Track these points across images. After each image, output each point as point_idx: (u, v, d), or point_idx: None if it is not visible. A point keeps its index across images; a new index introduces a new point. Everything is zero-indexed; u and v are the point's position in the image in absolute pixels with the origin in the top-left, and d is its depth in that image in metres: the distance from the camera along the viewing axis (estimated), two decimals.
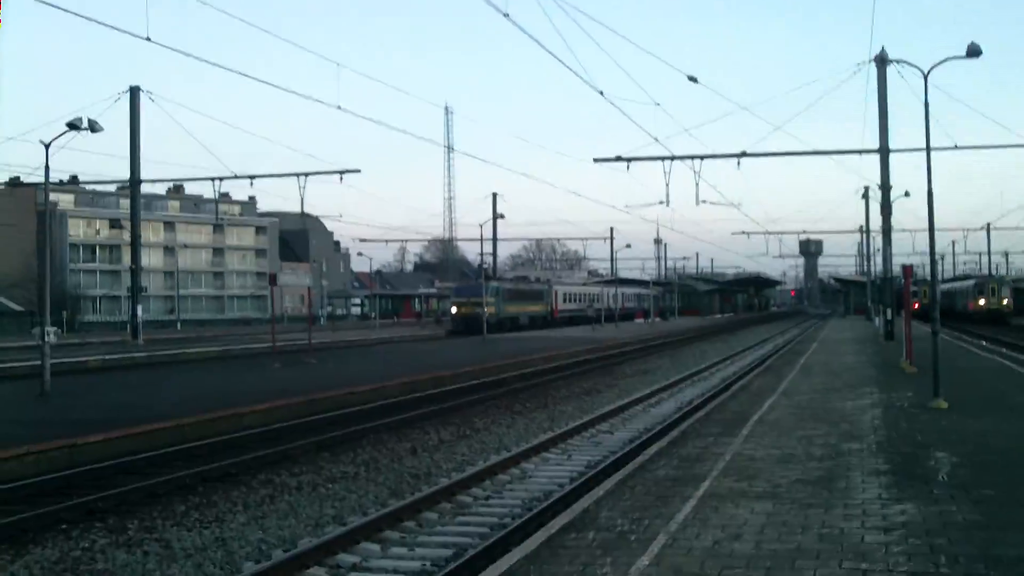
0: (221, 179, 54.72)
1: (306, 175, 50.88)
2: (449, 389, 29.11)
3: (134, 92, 55.16)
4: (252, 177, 53.43)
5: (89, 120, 24.74)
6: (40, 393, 24.42)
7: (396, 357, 41.35)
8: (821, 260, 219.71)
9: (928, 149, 22.41)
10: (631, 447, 18.21)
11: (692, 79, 39.08)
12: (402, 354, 43.66)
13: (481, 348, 47.18)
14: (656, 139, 62.05)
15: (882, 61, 43.13)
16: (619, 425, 22.24)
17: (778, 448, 15.07)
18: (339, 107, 61.81)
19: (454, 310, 76.61)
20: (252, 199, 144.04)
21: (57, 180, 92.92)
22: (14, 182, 75.45)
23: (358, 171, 50.64)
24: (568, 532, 9.92)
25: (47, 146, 25.07)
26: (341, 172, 50.47)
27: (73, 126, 24.51)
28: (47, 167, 25.35)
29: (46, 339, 24.53)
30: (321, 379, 29.23)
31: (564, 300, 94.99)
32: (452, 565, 10.42)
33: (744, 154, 46.28)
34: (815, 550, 8.93)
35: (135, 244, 58.07)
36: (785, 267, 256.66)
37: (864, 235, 79.57)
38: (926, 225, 22.02)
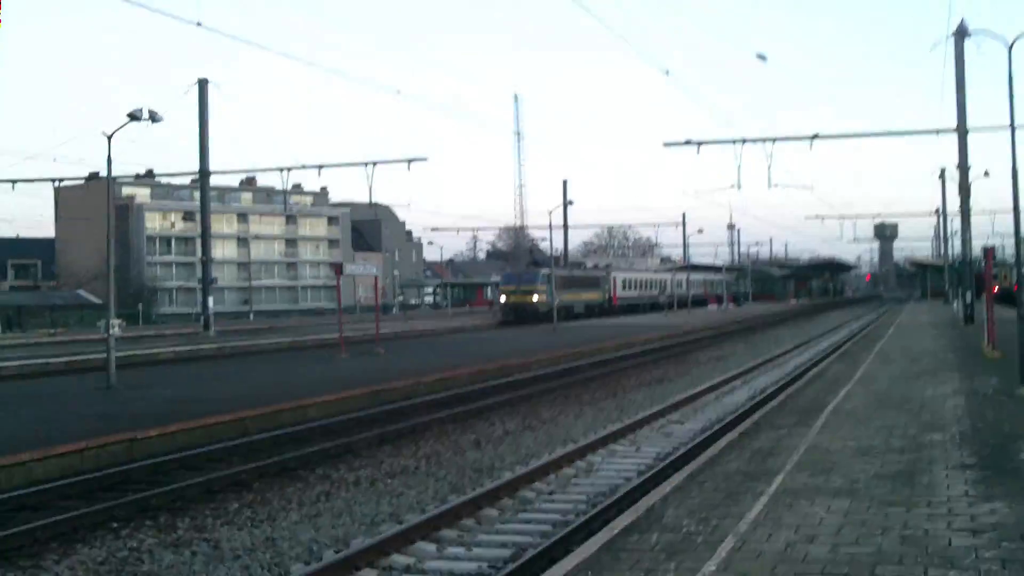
0: (289, 169, 54.71)
1: (374, 164, 50.70)
2: (517, 379, 28.65)
3: (202, 84, 55.41)
4: (320, 167, 53.30)
5: (150, 111, 24.56)
6: (106, 386, 24.34)
7: (465, 346, 40.97)
8: (897, 243, 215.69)
9: (1012, 127, 21.49)
10: (701, 438, 17.57)
11: (761, 57, 38.19)
12: (471, 343, 43.28)
13: (550, 336, 46.65)
14: (727, 121, 60.88)
15: (961, 34, 41.74)
16: (690, 415, 21.58)
17: (855, 439, 14.37)
18: (398, 91, 61.44)
19: (503, 299, 73.30)
20: (324, 190, 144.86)
21: (133, 174, 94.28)
22: (93, 177, 76.45)
23: (425, 159, 50.32)
24: (631, 533, 9.36)
25: (109, 137, 25.00)
26: (408, 160, 50.22)
27: (134, 117, 24.36)
28: (109, 159, 25.30)
29: (111, 332, 24.36)
30: (388, 370, 28.90)
31: (624, 287, 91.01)
32: (509, 568, 9.91)
33: (817, 136, 45.21)
34: (897, 554, 8.27)
35: (205, 236, 58.43)
36: (860, 251, 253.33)
37: (941, 217, 77.81)
38: (1005, 206, 21.19)
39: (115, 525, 12.20)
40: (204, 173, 56.57)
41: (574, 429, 19.84)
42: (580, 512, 12.57)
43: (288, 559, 10.67)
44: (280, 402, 21.20)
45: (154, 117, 24.59)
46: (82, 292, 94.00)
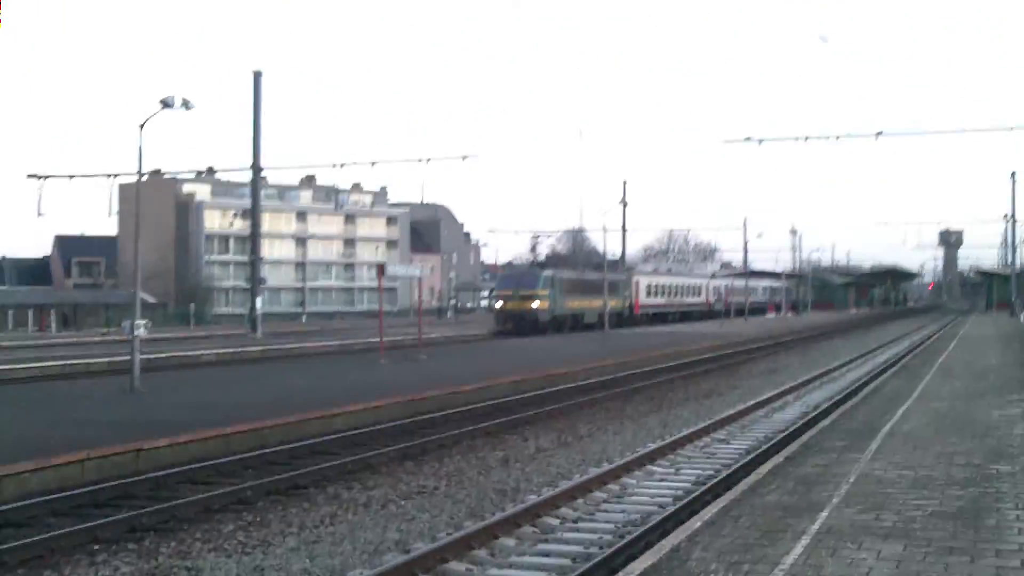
0: (343, 165, 54.23)
1: (428, 160, 50.00)
2: (560, 389, 27.50)
3: (256, 77, 54.80)
4: (373, 163, 52.84)
5: (183, 99, 23.71)
6: (129, 390, 23.53)
7: (512, 353, 39.86)
8: (962, 251, 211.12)
9: None
10: (745, 461, 16.30)
11: (823, 39, 36.65)
12: (518, 350, 42.13)
13: (599, 344, 45.42)
14: (785, 113, 59.22)
15: None
16: (737, 433, 20.29)
17: (911, 468, 13.07)
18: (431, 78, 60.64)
19: (499, 304, 62.23)
20: (383, 189, 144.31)
21: (194, 172, 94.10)
22: (154, 173, 76.30)
23: (477, 156, 49.55)
24: None
25: (141, 127, 24.14)
26: (463, 157, 49.42)
27: (166, 104, 23.53)
28: (140, 150, 24.44)
29: (135, 334, 23.55)
30: (427, 377, 27.88)
31: (648, 293, 79.60)
32: None
33: (881, 133, 43.52)
34: None
35: (255, 233, 57.83)
36: (923, 258, 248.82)
37: (1010, 222, 75.43)
38: None
39: (95, 548, 11.24)
40: (256, 168, 55.86)
41: (611, 447, 18.66)
42: (604, 545, 11.41)
43: None
44: (308, 410, 20.29)
45: (187, 105, 23.73)
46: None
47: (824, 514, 10.44)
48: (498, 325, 60.92)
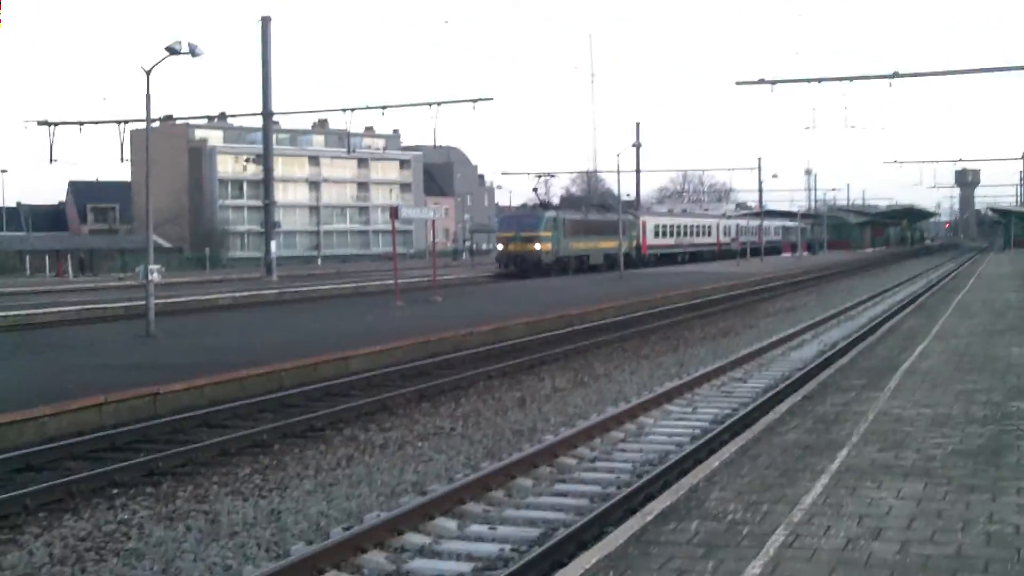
0: (353, 109, 53.69)
1: (439, 104, 49.62)
2: (575, 329, 27.47)
3: (265, 22, 54.41)
4: (384, 107, 52.27)
5: (189, 44, 23.52)
6: (145, 334, 23.56)
7: (527, 294, 39.73)
8: (979, 190, 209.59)
9: None
10: (763, 399, 16.22)
11: None
12: (533, 290, 42.02)
13: (615, 284, 45.29)
14: (797, 53, 58.59)
15: None
16: (754, 372, 20.19)
17: (930, 406, 12.96)
18: (446, 22, 60.32)
19: (500, 247, 61.52)
20: (396, 132, 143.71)
21: (205, 117, 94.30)
22: (165, 119, 76.05)
23: (491, 99, 49.08)
24: (667, 520, 8.12)
25: (148, 72, 23.98)
26: (474, 100, 49.10)
27: (173, 51, 23.34)
28: (148, 96, 24.26)
29: (149, 278, 23.53)
30: (442, 319, 27.86)
31: (656, 234, 77.94)
32: (533, 553, 8.74)
33: (896, 74, 43.00)
34: (982, 558, 6.93)
35: (267, 178, 57.74)
36: (939, 198, 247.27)
37: None
38: None
39: (114, 492, 11.26)
40: (267, 114, 55.67)
41: (628, 386, 18.60)
42: (621, 484, 11.38)
43: (290, 536, 9.60)
44: (323, 352, 20.26)
45: (194, 51, 23.57)
46: (153, 236, 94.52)
47: (843, 453, 10.36)
48: (500, 267, 60.09)
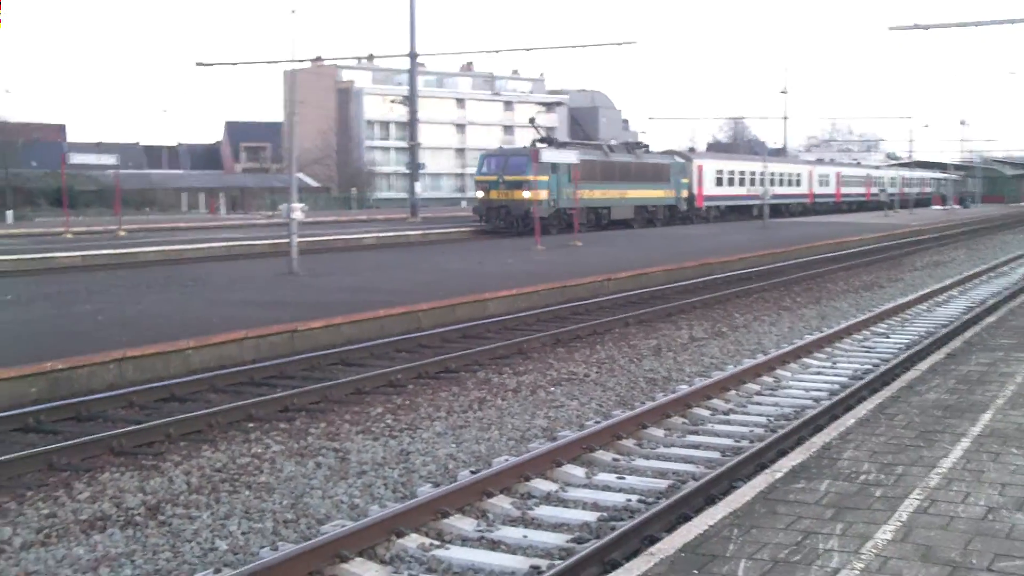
0: (499, 51, 53.72)
1: (585, 46, 49.33)
2: (716, 278, 27.07)
3: None
4: (530, 49, 52.26)
5: None
6: (288, 272, 24.00)
7: (667, 242, 39.31)
8: None
9: None
10: (904, 356, 15.70)
11: None
12: (674, 239, 41.55)
13: (759, 233, 44.50)
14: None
15: None
16: (897, 327, 19.55)
17: None
18: None
19: (480, 194, 47.39)
20: (541, 75, 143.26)
21: (354, 59, 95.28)
22: (315, 60, 77.27)
23: (633, 43, 48.51)
24: (797, 478, 7.90)
25: (292, 12, 24.23)
26: (618, 43, 48.71)
27: None
28: (292, 37, 24.49)
29: (292, 217, 23.92)
30: (581, 264, 27.76)
31: (718, 182, 63.63)
32: (660, 505, 8.61)
33: None
34: None
35: (413, 120, 58.19)
36: None
37: None
38: None
39: (250, 425, 11.48)
40: (413, 55, 56.02)
41: (767, 338, 18.23)
42: (755, 439, 11.14)
43: (418, 478, 9.65)
44: (461, 295, 20.33)
45: None
46: (301, 175, 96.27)
47: (987, 416, 9.94)
48: (481, 220, 46.91)
